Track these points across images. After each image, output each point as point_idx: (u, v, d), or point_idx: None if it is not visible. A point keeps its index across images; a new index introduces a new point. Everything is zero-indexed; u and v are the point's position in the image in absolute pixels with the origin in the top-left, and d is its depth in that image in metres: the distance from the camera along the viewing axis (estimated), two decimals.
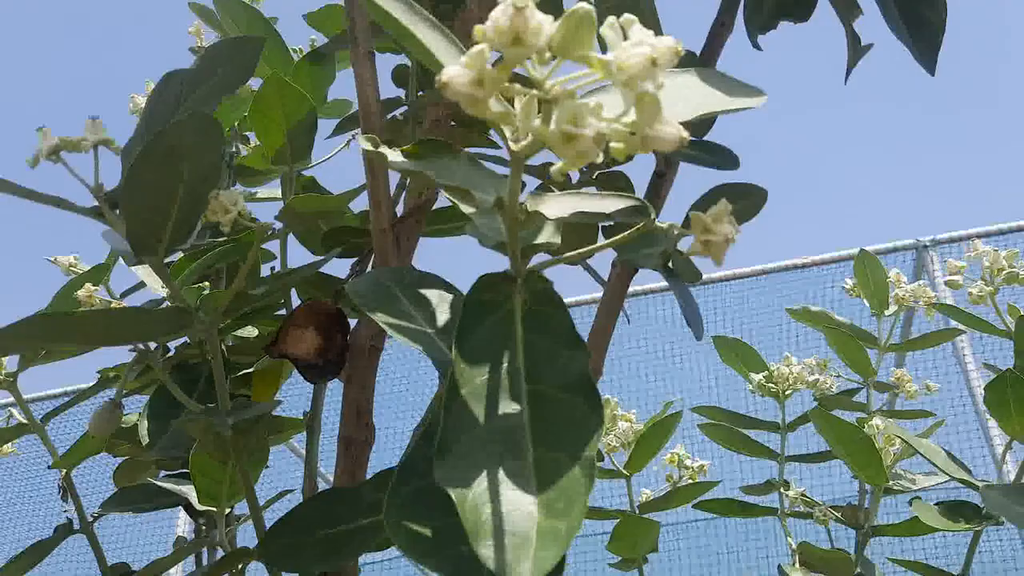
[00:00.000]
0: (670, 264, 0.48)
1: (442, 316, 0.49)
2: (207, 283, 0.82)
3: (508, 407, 0.36)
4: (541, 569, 0.32)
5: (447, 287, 0.52)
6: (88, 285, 0.71)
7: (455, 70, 0.28)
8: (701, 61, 0.51)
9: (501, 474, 0.34)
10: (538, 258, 0.44)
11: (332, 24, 0.96)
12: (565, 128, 0.28)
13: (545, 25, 0.28)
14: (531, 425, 0.36)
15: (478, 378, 0.37)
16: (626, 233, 0.40)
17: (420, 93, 0.82)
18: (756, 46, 0.57)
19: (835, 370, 1.08)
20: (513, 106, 0.35)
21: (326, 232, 0.80)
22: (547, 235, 0.44)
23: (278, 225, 0.80)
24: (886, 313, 1.05)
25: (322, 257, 0.63)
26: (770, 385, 1.06)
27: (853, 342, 1.01)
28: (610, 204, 0.39)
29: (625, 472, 1.03)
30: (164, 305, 0.65)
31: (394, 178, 0.80)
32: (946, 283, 0.86)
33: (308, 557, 0.47)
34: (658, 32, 0.43)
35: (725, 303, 3.25)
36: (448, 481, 0.34)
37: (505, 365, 0.38)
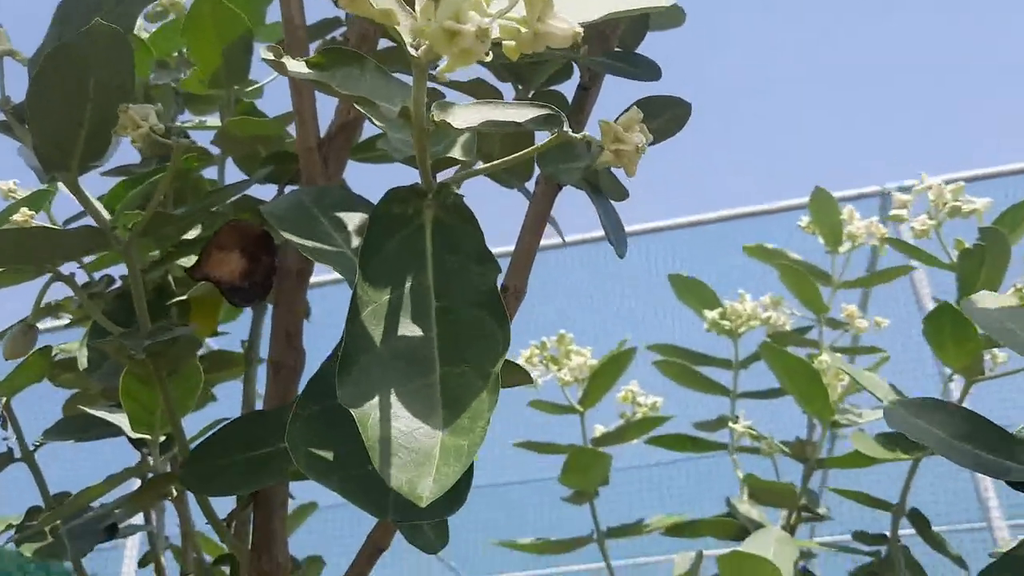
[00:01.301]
0: (597, 183, 0.46)
1: (360, 236, 0.48)
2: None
3: (415, 325, 0.35)
4: (442, 486, 0.31)
5: (369, 207, 0.50)
6: (25, 210, 0.69)
7: None
8: None
9: (405, 392, 0.33)
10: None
11: None
12: (446, 24, 0.27)
13: None
14: (439, 342, 0.35)
15: (383, 296, 0.36)
16: (542, 144, 0.39)
17: None
18: None
19: (790, 308, 1.08)
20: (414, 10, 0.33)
21: (265, 158, 0.78)
22: (461, 149, 0.42)
23: (216, 150, 0.78)
24: (840, 250, 1.04)
25: (249, 178, 0.61)
26: (724, 322, 1.05)
27: (805, 279, 1.01)
28: (522, 113, 0.37)
29: (579, 408, 1.03)
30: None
31: (331, 101, 0.78)
32: (891, 216, 0.85)
33: (228, 480, 0.46)
34: None
35: (685, 250, 3.26)
36: (350, 400, 0.33)
37: (413, 282, 0.37)
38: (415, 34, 0.32)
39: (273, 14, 0.91)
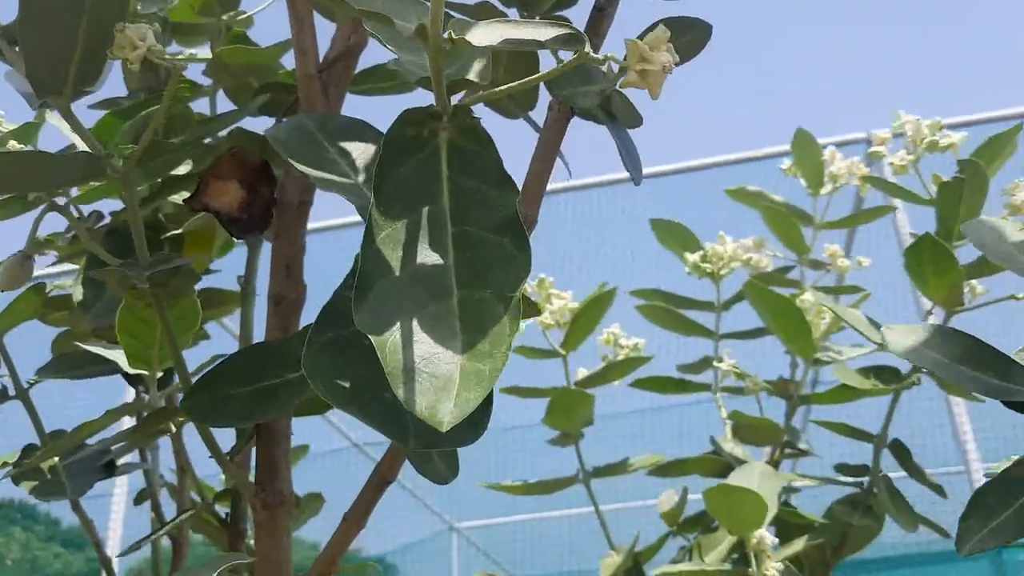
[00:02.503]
0: (610, 108, 0.45)
1: (368, 162, 0.47)
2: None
3: (432, 250, 0.34)
4: (463, 411, 0.30)
5: (375, 133, 0.49)
6: (13, 142, 0.67)
7: None
8: None
9: (423, 317, 0.33)
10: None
11: None
12: None
13: None
14: (456, 267, 0.34)
15: (399, 220, 0.35)
16: (561, 65, 0.37)
17: None
18: None
19: (772, 250, 1.07)
20: None
21: (258, 88, 0.76)
22: (477, 70, 0.41)
23: (207, 81, 0.77)
24: (822, 192, 1.03)
25: (243, 108, 0.60)
26: (705, 265, 1.04)
27: (788, 219, 1.00)
28: (542, 32, 0.36)
29: (561, 351, 1.03)
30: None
31: (329, 29, 0.76)
32: (869, 153, 0.85)
33: (232, 411, 0.45)
34: None
35: (667, 197, 3.25)
36: (367, 325, 0.32)
37: (430, 207, 0.36)
38: None
39: None
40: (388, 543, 4.74)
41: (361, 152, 0.47)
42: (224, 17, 0.78)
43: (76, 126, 0.49)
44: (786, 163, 1.08)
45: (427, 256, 0.34)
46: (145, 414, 0.61)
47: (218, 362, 0.47)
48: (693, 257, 1.05)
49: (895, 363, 0.85)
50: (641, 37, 0.37)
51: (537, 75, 0.38)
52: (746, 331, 1.06)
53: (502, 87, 0.38)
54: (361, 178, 0.46)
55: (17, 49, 0.49)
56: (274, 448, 0.54)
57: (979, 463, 2.85)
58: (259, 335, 0.73)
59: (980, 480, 2.80)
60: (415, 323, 0.32)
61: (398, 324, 0.32)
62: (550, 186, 0.50)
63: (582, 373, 1.06)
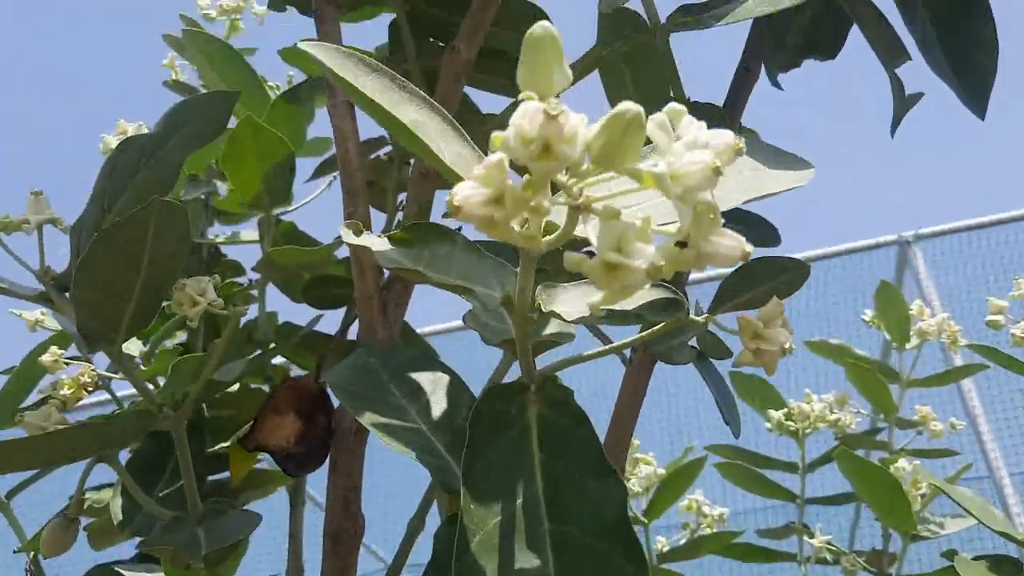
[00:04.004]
0: (699, 348, 0.42)
1: (437, 407, 0.44)
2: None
3: (528, 558, 0.30)
4: None
5: (441, 368, 0.46)
6: (54, 349, 0.65)
7: (469, 189, 0.22)
8: (726, 111, 0.45)
9: None
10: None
11: (309, 60, 0.90)
12: (609, 257, 0.22)
13: (581, 131, 0.22)
14: None
15: (491, 518, 0.31)
16: (658, 327, 0.34)
17: None
18: (777, 85, 0.51)
19: (854, 404, 1.03)
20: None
21: (308, 282, 0.74)
22: (559, 326, 0.38)
23: (255, 276, 0.75)
24: (908, 346, 0.99)
25: (300, 333, 0.57)
26: (789, 423, 1.00)
27: (875, 378, 0.96)
28: (637, 296, 0.33)
29: (644, 520, 0.98)
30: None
31: (380, 217, 0.75)
32: (987, 323, 0.81)
33: None
34: (677, 84, 0.37)
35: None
36: None
37: (523, 497, 0.32)
38: (534, 228, 0.27)
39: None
40: None
41: (429, 393, 0.44)
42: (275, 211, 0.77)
43: (127, 372, 0.46)
44: (867, 313, 1.05)
45: (524, 562, 0.30)
46: None
47: None
48: (777, 415, 1.01)
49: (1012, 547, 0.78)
50: (737, 286, 0.34)
51: (633, 338, 0.35)
52: (833, 496, 1.01)
53: (591, 352, 0.35)
54: (429, 426, 0.42)
55: (67, 295, 0.47)
56: None
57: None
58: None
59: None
60: None
61: None
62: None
63: (661, 542, 1.01)
